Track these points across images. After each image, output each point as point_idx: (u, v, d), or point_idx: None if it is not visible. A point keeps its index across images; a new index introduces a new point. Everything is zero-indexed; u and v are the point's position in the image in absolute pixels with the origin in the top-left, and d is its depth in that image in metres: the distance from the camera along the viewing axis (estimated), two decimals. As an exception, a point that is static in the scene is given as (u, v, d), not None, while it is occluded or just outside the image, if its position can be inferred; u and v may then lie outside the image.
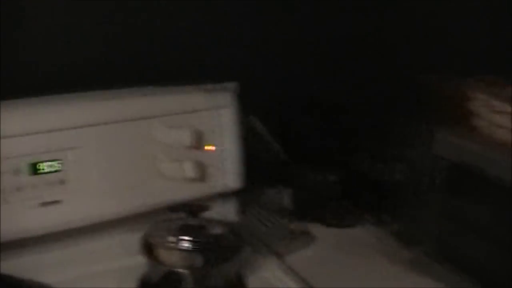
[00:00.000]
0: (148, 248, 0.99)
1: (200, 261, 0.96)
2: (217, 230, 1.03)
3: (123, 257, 1.05)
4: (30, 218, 1.00)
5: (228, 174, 1.17)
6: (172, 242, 0.97)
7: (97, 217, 1.05)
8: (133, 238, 1.02)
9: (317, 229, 1.24)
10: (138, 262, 0.99)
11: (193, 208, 1.02)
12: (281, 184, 1.29)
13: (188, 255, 0.97)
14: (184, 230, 1.00)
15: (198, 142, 1.13)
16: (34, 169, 0.99)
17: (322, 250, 1.19)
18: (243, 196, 1.23)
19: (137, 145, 1.08)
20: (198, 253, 0.97)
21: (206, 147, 1.15)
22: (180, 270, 0.95)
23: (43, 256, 1.04)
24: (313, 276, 1.09)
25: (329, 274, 1.11)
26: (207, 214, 1.06)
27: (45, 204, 1.01)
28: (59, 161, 1.01)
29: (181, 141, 1.11)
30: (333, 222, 1.25)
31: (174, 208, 1.04)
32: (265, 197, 1.27)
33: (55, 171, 1.01)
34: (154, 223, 1.03)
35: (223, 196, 1.20)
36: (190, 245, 0.97)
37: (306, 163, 1.30)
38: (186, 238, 0.97)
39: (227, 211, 1.20)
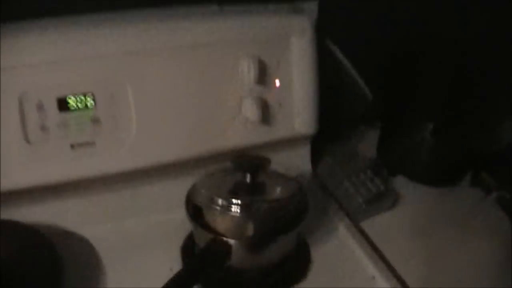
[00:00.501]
0: (193, 208, 0.82)
1: (251, 230, 0.78)
2: (278, 191, 0.83)
3: (168, 210, 0.89)
4: (58, 162, 0.84)
5: (300, 116, 0.96)
6: (220, 205, 0.78)
7: (137, 163, 0.88)
8: (179, 189, 0.85)
9: (405, 187, 1.02)
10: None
11: (248, 163, 0.82)
12: (365, 129, 1.06)
13: (237, 221, 0.78)
14: (236, 190, 0.81)
15: (264, 76, 0.91)
16: (63, 105, 0.83)
17: (409, 213, 0.97)
18: (318, 143, 1.02)
19: (188, 77, 0.88)
20: (249, 220, 0.78)
21: (274, 83, 0.93)
22: (227, 239, 0.77)
23: (74, 205, 0.89)
24: (394, 248, 0.88)
25: (415, 246, 0.90)
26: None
27: (75, 146, 0.84)
28: (92, 96, 0.84)
29: (243, 75, 0.90)
30: (425, 179, 1.02)
31: (233, 159, 0.85)
32: (345, 146, 1.05)
33: (87, 107, 0.84)
34: (202, 177, 0.85)
35: (293, 143, 0.99)
36: (241, 210, 0.78)
37: (397, 104, 1.05)
38: (237, 201, 0.78)
39: (296, 163, 1.00)
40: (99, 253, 0.87)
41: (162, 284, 0.75)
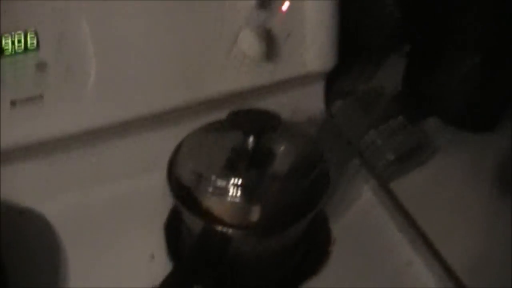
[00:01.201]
0: (177, 183, 0.62)
1: (255, 216, 0.59)
2: (290, 160, 0.63)
3: (145, 174, 0.70)
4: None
5: (312, 49, 0.75)
6: (213, 186, 0.59)
7: (98, 121, 0.67)
8: (160, 146, 0.65)
9: (440, 133, 0.81)
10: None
11: (250, 123, 0.61)
12: (392, 60, 0.84)
13: (237, 206, 0.59)
14: (234, 161, 0.61)
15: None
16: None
17: (450, 168, 0.77)
18: (333, 79, 0.80)
19: (167, 4, 0.66)
20: (253, 204, 0.59)
21: (280, 6, 0.71)
22: (225, 229, 0.58)
23: (23, 175, 0.69)
24: (433, 218, 0.70)
25: (461, 214, 0.71)
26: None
27: (17, 102, 0.63)
28: (34, 34, 0.61)
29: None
30: (467, 123, 0.81)
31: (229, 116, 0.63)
32: (368, 82, 0.83)
33: (28, 49, 0.61)
34: (188, 140, 0.64)
35: (303, 82, 0.78)
36: (241, 193, 0.58)
37: (433, 25, 0.83)
38: (235, 181, 0.58)
39: (306, 106, 0.79)
40: (58, 234, 0.67)
41: (141, 278, 0.61)
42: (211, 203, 0.59)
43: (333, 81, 0.82)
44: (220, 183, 0.58)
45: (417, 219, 0.69)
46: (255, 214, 0.58)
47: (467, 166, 0.77)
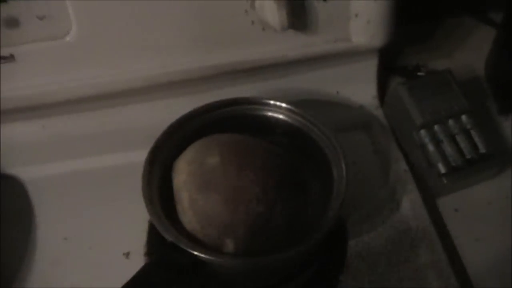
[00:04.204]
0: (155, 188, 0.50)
1: (230, 245, 0.46)
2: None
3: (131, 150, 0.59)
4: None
5: (360, 18, 0.59)
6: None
7: (77, 85, 0.57)
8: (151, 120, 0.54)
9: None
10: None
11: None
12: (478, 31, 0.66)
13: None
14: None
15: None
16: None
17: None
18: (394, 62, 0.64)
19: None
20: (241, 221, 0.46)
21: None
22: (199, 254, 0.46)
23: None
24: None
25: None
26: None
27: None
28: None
29: None
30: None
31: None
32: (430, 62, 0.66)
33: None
34: (173, 127, 0.52)
35: (351, 59, 0.63)
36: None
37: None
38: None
39: (356, 93, 0.65)
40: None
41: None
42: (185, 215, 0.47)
43: (389, 58, 0.66)
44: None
45: (461, 253, 0.54)
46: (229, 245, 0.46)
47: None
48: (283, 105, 0.54)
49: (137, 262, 0.54)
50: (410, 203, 0.58)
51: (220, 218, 0.45)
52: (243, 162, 0.47)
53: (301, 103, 0.55)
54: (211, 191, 0.45)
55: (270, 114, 0.54)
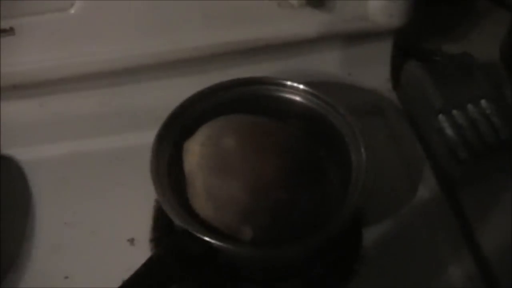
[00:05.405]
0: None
1: (248, 233, 0.44)
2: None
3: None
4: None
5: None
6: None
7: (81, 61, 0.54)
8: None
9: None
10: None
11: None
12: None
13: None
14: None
15: None
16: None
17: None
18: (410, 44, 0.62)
19: None
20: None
21: None
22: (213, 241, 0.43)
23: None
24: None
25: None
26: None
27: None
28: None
29: None
30: None
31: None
32: (449, 45, 0.64)
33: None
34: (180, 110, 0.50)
35: (367, 39, 0.60)
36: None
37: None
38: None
39: (370, 75, 0.62)
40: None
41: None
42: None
43: (405, 40, 0.63)
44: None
45: (481, 242, 0.52)
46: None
47: None
48: (301, 86, 0.51)
49: (142, 248, 0.52)
50: (427, 190, 0.56)
51: (238, 204, 0.42)
52: (262, 144, 0.44)
53: (309, 85, 0.53)
54: (228, 175, 0.43)
55: (286, 95, 0.52)
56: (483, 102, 0.57)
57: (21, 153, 0.58)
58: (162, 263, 0.43)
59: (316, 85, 0.60)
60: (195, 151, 0.46)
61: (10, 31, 0.50)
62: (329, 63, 0.62)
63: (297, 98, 0.52)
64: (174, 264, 0.43)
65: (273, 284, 0.49)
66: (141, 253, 0.42)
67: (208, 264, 0.44)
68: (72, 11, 0.51)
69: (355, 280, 0.50)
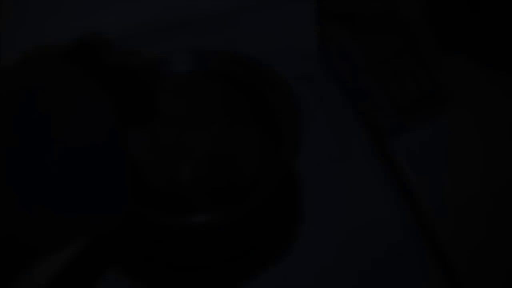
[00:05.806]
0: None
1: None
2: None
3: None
4: None
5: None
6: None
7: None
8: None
9: (468, 74, 0.62)
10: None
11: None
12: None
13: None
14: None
15: None
16: None
17: (472, 123, 0.59)
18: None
19: None
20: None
21: None
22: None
23: None
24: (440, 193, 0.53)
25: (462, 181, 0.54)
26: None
27: None
28: None
29: None
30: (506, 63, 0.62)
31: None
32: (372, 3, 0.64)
33: None
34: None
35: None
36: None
37: None
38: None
39: (294, 36, 0.63)
40: None
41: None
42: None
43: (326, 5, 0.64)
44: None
45: (415, 191, 0.53)
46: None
47: (490, 123, 0.59)
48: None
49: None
50: (358, 146, 0.57)
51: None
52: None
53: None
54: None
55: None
56: (406, 56, 0.59)
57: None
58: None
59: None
60: None
61: None
62: (250, 31, 0.62)
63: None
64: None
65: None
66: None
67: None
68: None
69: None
